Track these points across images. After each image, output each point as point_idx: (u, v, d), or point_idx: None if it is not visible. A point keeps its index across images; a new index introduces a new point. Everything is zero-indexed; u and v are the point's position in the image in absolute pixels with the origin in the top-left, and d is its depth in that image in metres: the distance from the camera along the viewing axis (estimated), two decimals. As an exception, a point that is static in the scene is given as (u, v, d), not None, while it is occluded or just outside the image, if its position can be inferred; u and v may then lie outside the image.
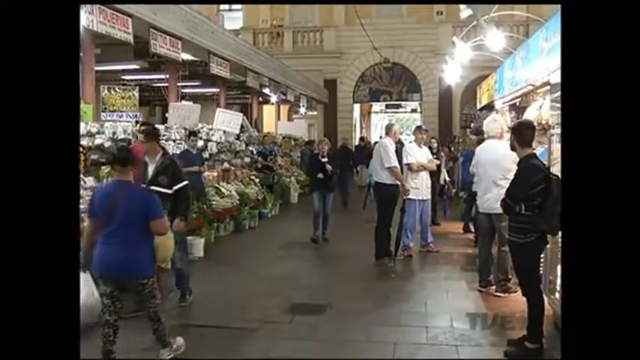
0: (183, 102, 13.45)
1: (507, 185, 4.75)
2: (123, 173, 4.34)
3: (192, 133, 10.06)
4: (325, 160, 9.76)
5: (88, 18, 7.60)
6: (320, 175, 9.61)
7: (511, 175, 4.87)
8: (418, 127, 9.25)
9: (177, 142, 10.35)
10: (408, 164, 8.41)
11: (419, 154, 8.52)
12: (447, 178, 11.20)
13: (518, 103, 9.75)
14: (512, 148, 4.79)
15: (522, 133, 4.70)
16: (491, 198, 6.13)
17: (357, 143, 23.07)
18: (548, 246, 4.84)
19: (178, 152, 9.99)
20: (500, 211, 4.89)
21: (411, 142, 9.05)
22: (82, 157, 8.01)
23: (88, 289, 4.58)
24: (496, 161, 6.21)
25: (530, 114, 7.76)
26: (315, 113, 26.60)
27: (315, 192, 9.88)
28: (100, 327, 4.37)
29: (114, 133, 9.15)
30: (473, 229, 9.80)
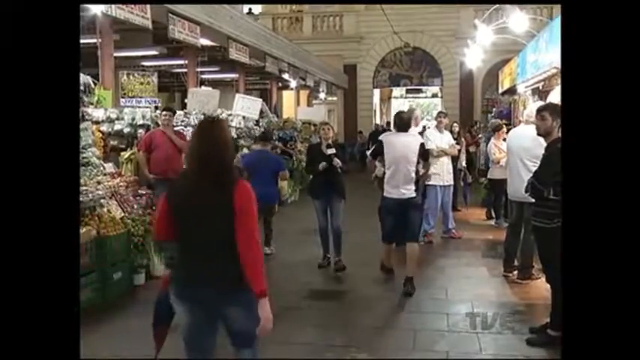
0: (203, 88, 13.42)
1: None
2: (264, 145, 7.62)
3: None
4: (332, 151, 6.80)
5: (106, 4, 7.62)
6: (323, 164, 6.76)
7: None
8: (439, 113, 9.12)
9: (197, 127, 10.35)
10: (428, 150, 8.28)
11: (439, 140, 8.40)
12: (464, 164, 11.03)
13: (541, 87, 9.60)
14: (547, 131, 4.60)
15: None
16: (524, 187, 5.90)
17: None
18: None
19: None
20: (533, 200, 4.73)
21: (429, 127, 8.90)
22: (102, 143, 8.05)
23: None
24: (530, 148, 5.83)
25: (554, 98, 7.60)
26: (334, 98, 26.51)
27: (317, 199, 6.98)
28: None
29: (133, 119, 9.16)
30: (494, 215, 9.75)
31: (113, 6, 7.77)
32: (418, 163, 6.12)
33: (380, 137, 6.32)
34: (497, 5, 12.45)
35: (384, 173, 6.07)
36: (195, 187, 2.92)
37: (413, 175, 6.02)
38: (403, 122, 6.19)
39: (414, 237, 6.12)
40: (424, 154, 6.23)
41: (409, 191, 6.00)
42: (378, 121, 27.40)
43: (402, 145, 6.04)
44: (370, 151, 5.96)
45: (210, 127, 3.03)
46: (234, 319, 2.95)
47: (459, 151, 9.95)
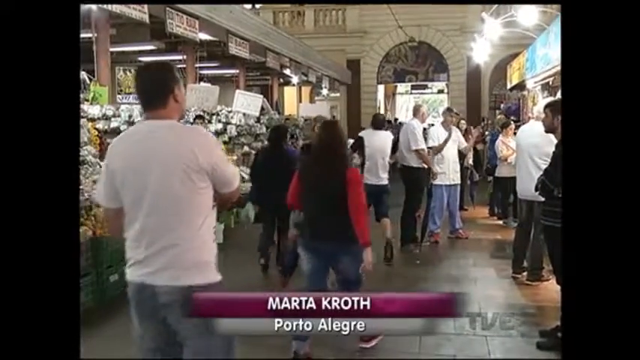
0: (202, 84, 13.29)
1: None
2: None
3: (198, 117, 9.78)
4: None
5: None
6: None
7: None
8: (448, 109, 8.93)
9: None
10: (431, 148, 8.13)
11: (443, 138, 8.19)
12: (470, 162, 10.87)
13: (551, 82, 9.42)
14: (550, 128, 4.52)
15: None
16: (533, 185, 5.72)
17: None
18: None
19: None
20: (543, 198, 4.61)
21: (433, 124, 8.82)
22: (98, 141, 7.90)
23: None
24: (540, 145, 5.65)
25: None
26: (337, 95, 26.35)
27: None
28: None
29: (130, 116, 9.02)
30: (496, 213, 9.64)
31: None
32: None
33: (360, 134, 7.50)
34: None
35: (362, 164, 6.99)
36: (319, 169, 4.04)
37: (387, 164, 7.38)
38: (379, 121, 7.70)
39: (385, 214, 7.35)
40: (393, 148, 7.71)
41: (384, 179, 7.28)
42: (382, 119, 27.23)
43: (379, 141, 7.32)
44: (350, 145, 7.08)
45: (331, 127, 4.32)
46: (346, 264, 4.07)
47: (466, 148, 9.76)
